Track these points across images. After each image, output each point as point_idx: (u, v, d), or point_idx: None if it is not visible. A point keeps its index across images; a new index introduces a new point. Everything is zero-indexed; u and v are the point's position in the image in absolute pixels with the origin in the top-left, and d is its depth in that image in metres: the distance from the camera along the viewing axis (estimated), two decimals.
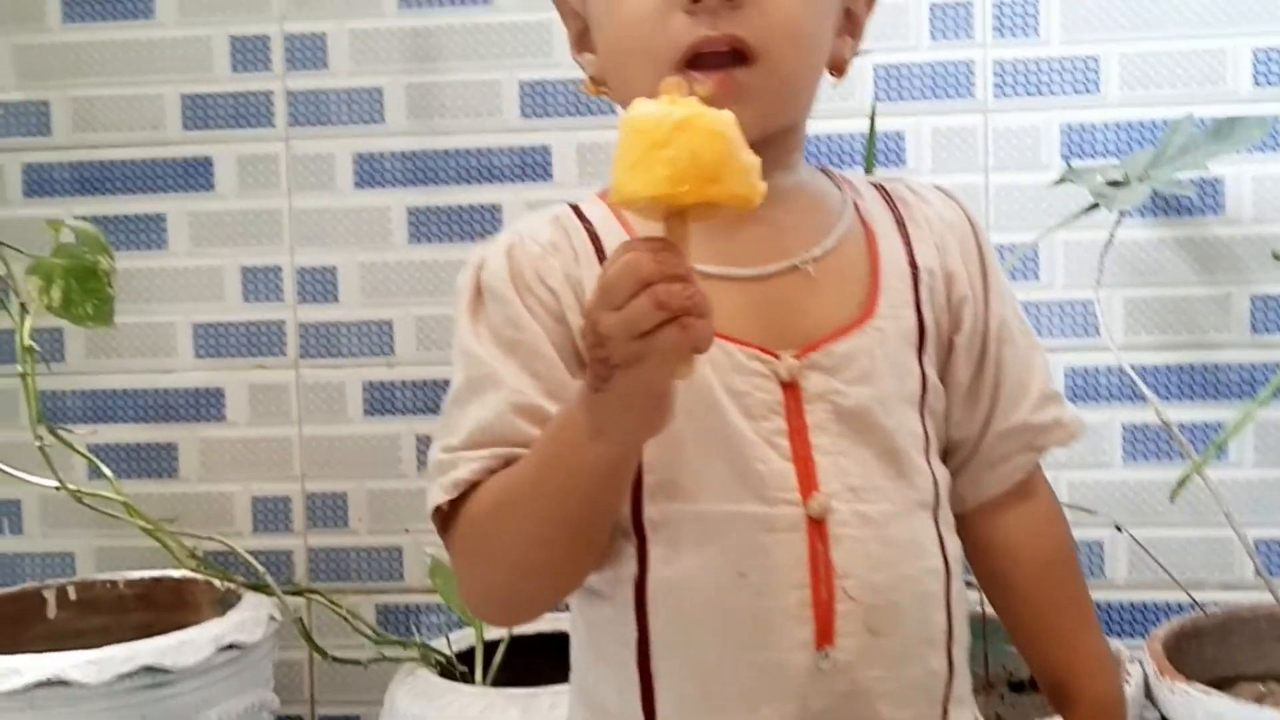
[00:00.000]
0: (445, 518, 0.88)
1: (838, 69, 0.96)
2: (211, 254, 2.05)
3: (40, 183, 2.06)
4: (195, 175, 2.04)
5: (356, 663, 1.84)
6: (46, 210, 1.99)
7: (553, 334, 0.89)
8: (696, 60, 0.86)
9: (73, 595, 1.90)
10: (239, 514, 2.06)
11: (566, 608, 0.96)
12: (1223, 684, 1.63)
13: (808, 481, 0.88)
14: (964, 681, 0.94)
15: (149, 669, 1.60)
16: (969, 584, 0.98)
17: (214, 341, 2.05)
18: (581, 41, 0.97)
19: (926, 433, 0.93)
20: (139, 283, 2.04)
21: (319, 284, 2.03)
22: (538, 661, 1.66)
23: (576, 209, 0.94)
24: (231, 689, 1.69)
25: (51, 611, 1.89)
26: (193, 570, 1.84)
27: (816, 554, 0.87)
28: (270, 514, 2.06)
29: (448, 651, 1.76)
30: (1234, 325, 1.89)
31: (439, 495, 0.87)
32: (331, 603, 1.83)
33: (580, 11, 0.95)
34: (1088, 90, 1.90)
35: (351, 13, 2.00)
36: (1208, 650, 1.72)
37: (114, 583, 1.93)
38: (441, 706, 1.62)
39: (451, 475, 0.87)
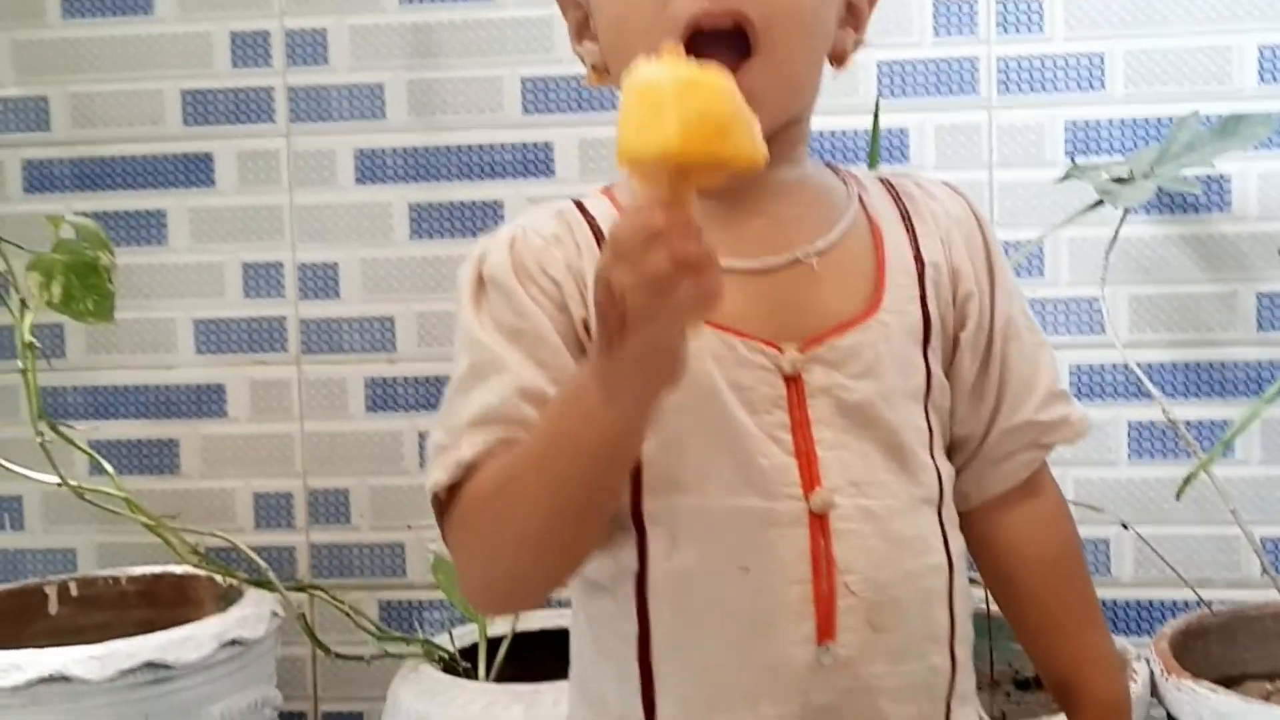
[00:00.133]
0: (444, 502, 0.87)
1: (838, 60, 0.96)
2: (212, 250, 2.04)
3: (40, 179, 2.06)
4: (196, 171, 2.04)
5: (359, 659, 1.84)
6: (47, 206, 1.99)
7: (556, 323, 0.88)
8: (698, 42, 0.85)
9: (74, 591, 1.90)
10: (241, 510, 2.06)
11: (568, 603, 0.96)
12: (1230, 682, 1.62)
13: (810, 476, 0.87)
14: (968, 678, 0.94)
15: (151, 665, 1.60)
16: (974, 581, 0.98)
17: (215, 337, 2.05)
18: (582, 32, 0.96)
19: (931, 428, 0.93)
20: (139, 279, 2.03)
21: (320, 280, 2.03)
22: (541, 657, 1.66)
23: (579, 204, 0.94)
24: (234, 685, 1.69)
25: (53, 608, 1.89)
26: (195, 566, 1.84)
27: (818, 549, 0.87)
28: (272, 510, 2.05)
29: (451, 648, 1.76)
30: (1240, 323, 1.89)
31: (440, 477, 0.86)
32: (334, 599, 1.83)
33: (580, 1, 0.95)
34: (1093, 87, 1.90)
35: (352, 8, 1.99)
36: (1214, 648, 1.71)
37: (116, 579, 1.93)
38: (445, 703, 1.62)
39: (453, 455, 0.85)
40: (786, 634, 0.86)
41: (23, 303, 1.72)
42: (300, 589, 1.87)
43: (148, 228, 2.05)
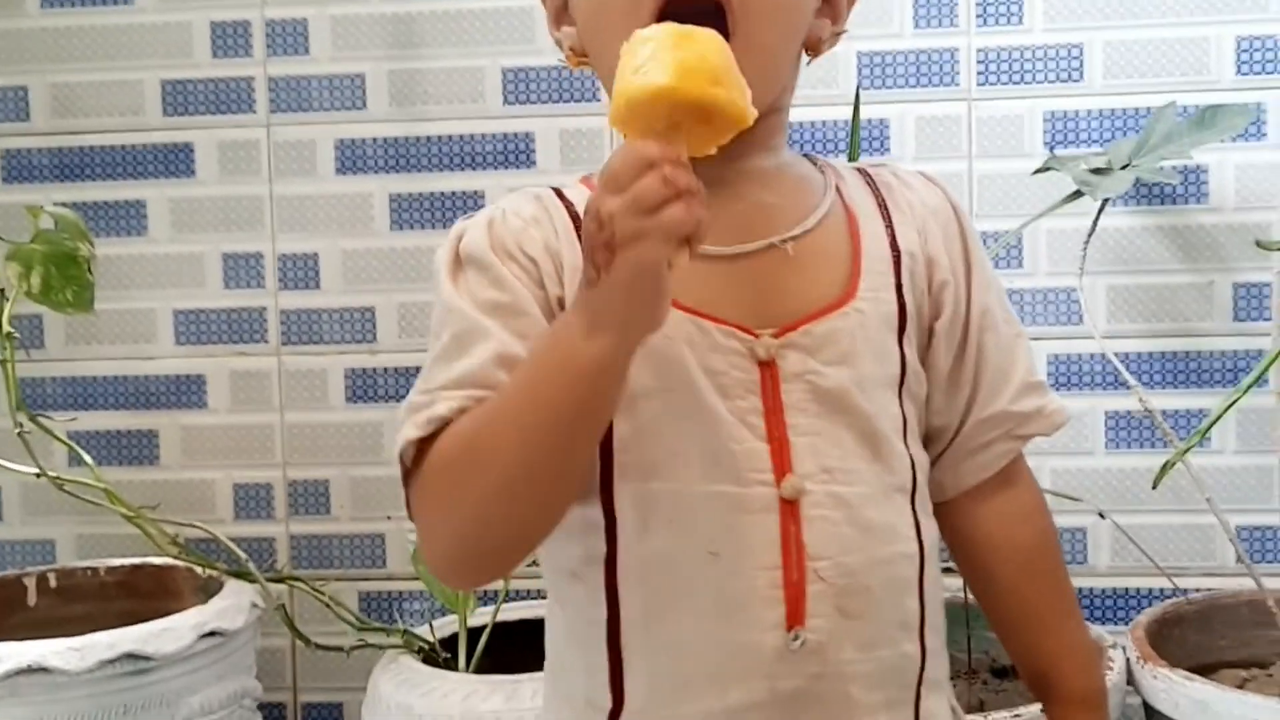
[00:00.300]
0: (412, 466, 0.85)
1: (813, 49, 0.96)
2: (192, 240, 2.04)
3: (19, 169, 2.05)
4: (176, 161, 2.03)
5: (339, 650, 1.83)
6: (26, 196, 1.98)
7: (535, 299, 0.88)
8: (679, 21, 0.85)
9: (53, 583, 1.90)
10: (220, 501, 2.05)
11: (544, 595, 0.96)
12: (1205, 670, 1.63)
13: (782, 462, 0.87)
14: (939, 666, 0.94)
15: (130, 656, 1.60)
16: (949, 570, 0.98)
17: (195, 328, 2.04)
18: (560, 17, 0.97)
19: (905, 416, 0.93)
20: (119, 269, 2.03)
21: (300, 270, 2.03)
22: (521, 648, 1.66)
23: (558, 191, 0.94)
24: (213, 676, 1.69)
25: (32, 599, 1.88)
26: (174, 557, 1.83)
27: (789, 535, 0.87)
28: (252, 501, 2.05)
29: (431, 638, 1.76)
30: (1217, 313, 1.90)
31: (411, 433, 0.84)
32: (314, 590, 1.83)
33: None
34: (1071, 78, 1.90)
35: None
36: (1190, 636, 1.73)
37: (95, 570, 1.92)
38: (425, 693, 1.62)
39: (426, 413, 0.84)
40: (756, 619, 0.86)
41: (1, 293, 1.71)
42: (280, 580, 1.86)
43: (127, 218, 2.04)
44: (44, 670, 1.56)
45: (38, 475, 1.73)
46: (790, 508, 0.87)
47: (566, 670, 0.93)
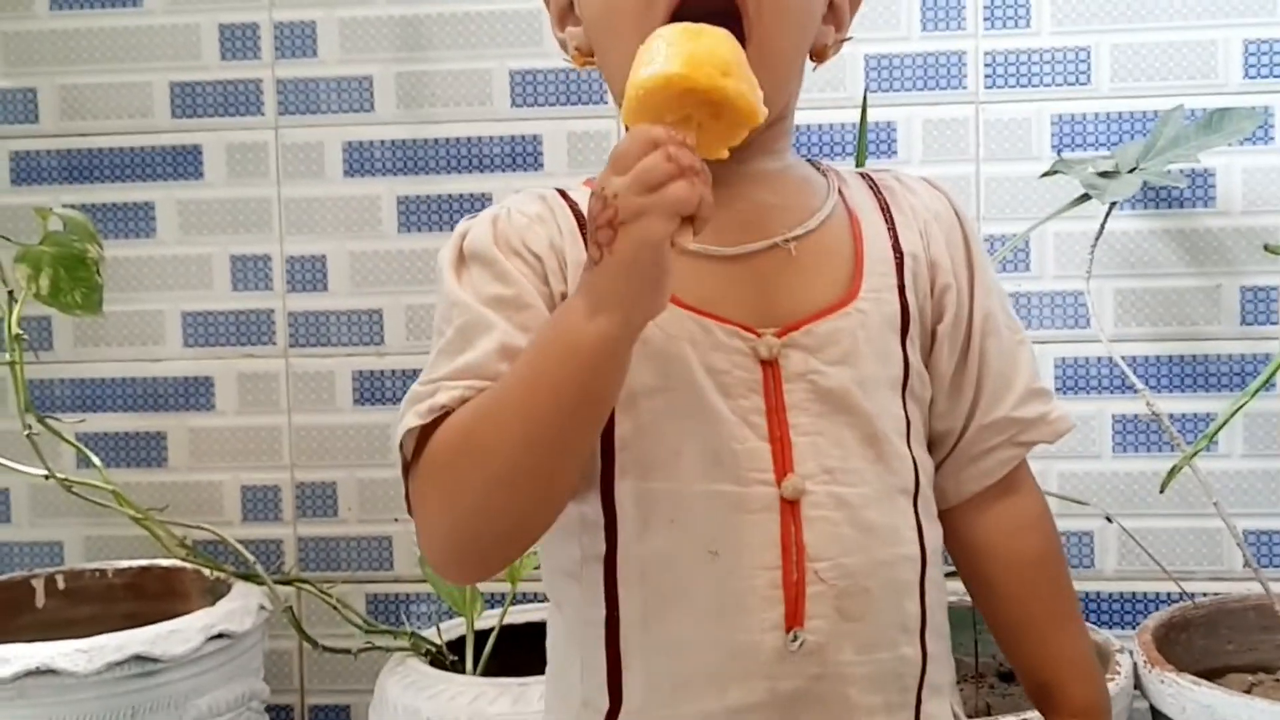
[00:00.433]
0: (412, 452, 0.85)
1: (819, 56, 0.96)
2: (200, 242, 2.04)
3: (28, 171, 2.05)
4: (184, 164, 2.04)
5: (346, 652, 1.84)
6: (34, 198, 1.98)
7: (539, 294, 0.88)
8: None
9: (61, 584, 1.90)
10: (228, 503, 2.06)
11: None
12: (1212, 674, 1.63)
13: (783, 462, 0.87)
14: (941, 671, 0.94)
15: (138, 658, 1.60)
16: (953, 574, 0.98)
17: (203, 330, 2.05)
18: (564, 17, 0.97)
19: (909, 418, 0.93)
20: (127, 271, 2.03)
21: (308, 273, 2.03)
22: (528, 651, 1.66)
23: (562, 192, 0.95)
24: (221, 678, 1.69)
25: (40, 601, 1.88)
26: (182, 559, 1.84)
27: (789, 535, 0.87)
28: (260, 503, 2.05)
29: (438, 641, 1.76)
30: (1224, 317, 1.89)
31: (411, 421, 0.84)
32: (321, 592, 1.83)
33: None
34: (1079, 81, 1.90)
35: (341, 1, 1.99)
36: (1197, 641, 1.72)
37: (103, 572, 1.93)
38: (432, 696, 1.62)
39: (427, 402, 0.84)
40: (755, 619, 0.86)
41: (10, 295, 1.72)
42: (287, 582, 1.87)
43: (136, 220, 2.04)
44: (52, 672, 1.56)
45: (46, 477, 1.74)
46: (791, 508, 0.87)
47: (565, 671, 0.93)
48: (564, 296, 0.88)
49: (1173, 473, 1.69)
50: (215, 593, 1.80)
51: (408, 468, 0.86)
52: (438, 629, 1.78)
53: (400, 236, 2.01)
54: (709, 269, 0.89)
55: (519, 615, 1.79)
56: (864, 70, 1.92)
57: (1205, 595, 1.82)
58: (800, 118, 0.97)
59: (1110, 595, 1.94)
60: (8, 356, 1.72)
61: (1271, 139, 1.87)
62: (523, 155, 1.98)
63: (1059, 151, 1.90)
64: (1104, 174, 1.73)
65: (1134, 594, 1.93)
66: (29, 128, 2.05)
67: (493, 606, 1.86)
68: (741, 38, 0.84)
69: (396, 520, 2.02)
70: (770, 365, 0.88)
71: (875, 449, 0.90)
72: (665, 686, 0.88)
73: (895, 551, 0.90)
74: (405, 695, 1.64)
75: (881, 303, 0.92)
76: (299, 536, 2.05)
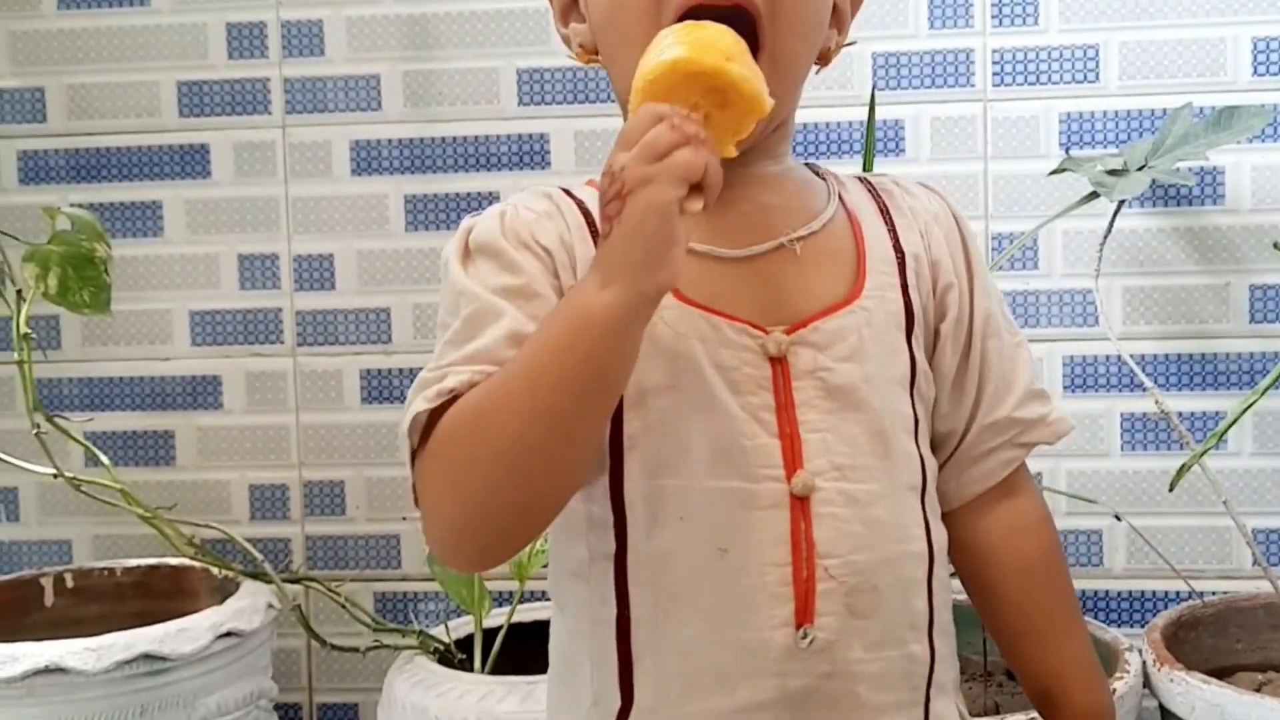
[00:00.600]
0: (420, 438, 0.84)
1: (823, 59, 0.97)
2: (208, 241, 2.04)
3: (36, 170, 2.06)
4: (192, 162, 2.04)
5: (355, 650, 1.84)
6: (42, 197, 1.99)
7: (549, 286, 0.88)
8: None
9: (70, 583, 1.90)
10: (236, 502, 2.06)
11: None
12: (1221, 673, 1.63)
13: (793, 458, 0.87)
14: (947, 670, 0.94)
15: (147, 657, 1.60)
16: (952, 575, 0.98)
17: (211, 329, 2.05)
18: (568, 13, 0.98)
19: (916, 416, 0.93)
20: (135, 270, 2.03)
21: (316, 271, 2.03)
22: (536, 650, 1.66)
23: (566, 190, 0.94)
24: (230, 677, 1.69)
25: (49, 599, 1.89)
26: (190, 558, 1.84)
27: (798, 532, 0.87)
28: (268, 502, 2.06)
29: (446, 639, 1.77)
30: (1233, 315, 1.89)
31: (420, 405, 0.83)
32: (330, 590, 1.83)
33: None
34: (1087, 79, 1.90)
35: (348, 0, 1.99)
36: (1206, 640, 1.72)
37: (111, 570, 1.93)
38: (440, 694, 1.62)
39: (436, 387, 0.83)
40: (765, 616, 0.86)
41: (19, 294, 1.72)
42: (296, 581, 1.87)
43: (144, 219, 2.05)
44: (61, 670, 1.57)
45: (54, 476, 1.74)
46: (801, 504, 0.87)
47: (572, 672, 0.93)
48: None
49: (1182, 471, 1.69)
50: (223, 591, 1.80)
51: (414, 456, 0.85)
52: (446, 627, 1.78)
53: (408, 235, 2.01)
54: (716, 270, 0.89)
55: (527, 614, 1.79)
56: (872, 68, 1.92)
57: (1214, 594, 1.82)
58: (808, 116, 0.98)
59: (1119, 594, 1.93)
60: (16, 355, 1.73)
61: None
62: (530, 154, 1.98)
63: (1067, 149, 1.89)
64: (1113, 172, 1.73)
65: (1143, 592, 1.93)
66: (37, 127, 2.05)
67: (501, 605, 1.86)
68: (755, 45, 0.85)
69: (404, 519, 2.03)
70: (779, 362, 0.88)
71: (883, 446, 0.90)
72: (675, 684, 0.87)
73: (903, 549, 0.90)
74: (413, 694, 1.65)
75: (885, 301, 0.92)
76: (307, 535, 2.05)
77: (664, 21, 0.85)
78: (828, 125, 1.93)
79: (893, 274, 0.93)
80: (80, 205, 1.87)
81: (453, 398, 0.83)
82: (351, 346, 2.03)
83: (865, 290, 0.92)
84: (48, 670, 1.57)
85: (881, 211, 0.96)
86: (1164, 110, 1.86)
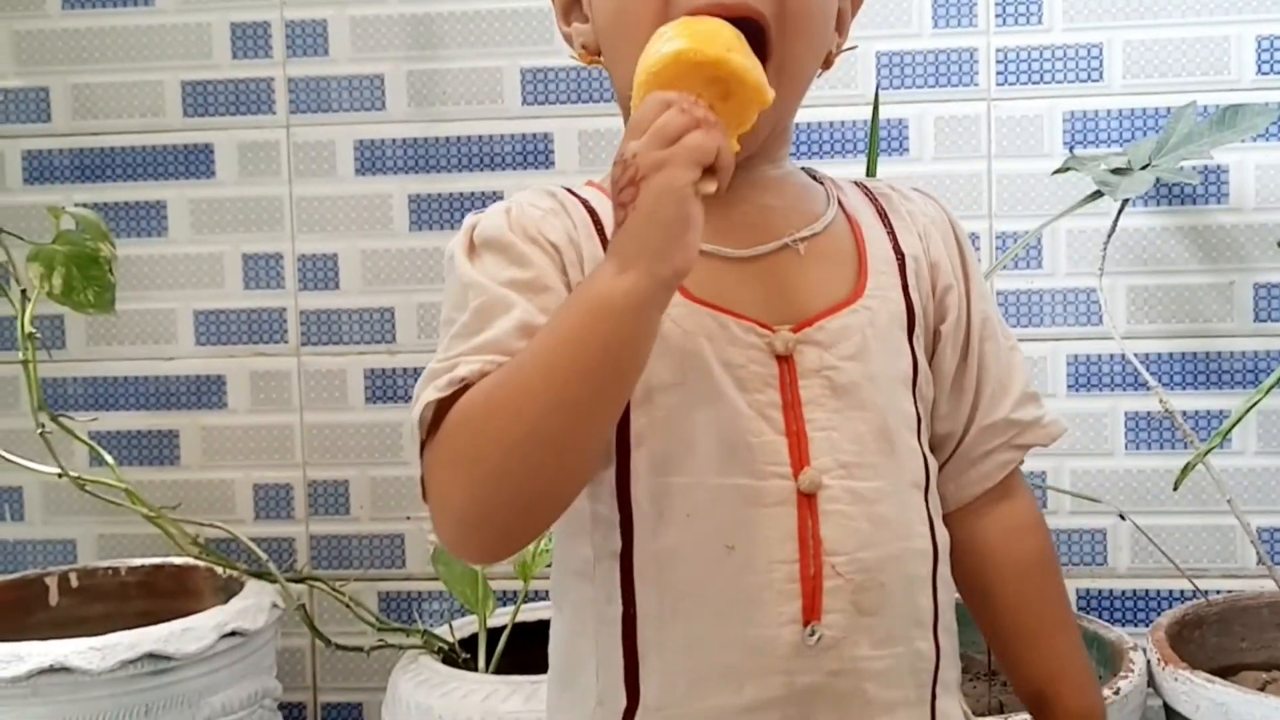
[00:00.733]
0: (430, 429, 0.83)
1: (825, 63, 0.97)
2: (212, 241, 2.05)
3: (41, 169, 2.06)
4: (196, 162, 2.04)
5: (359, 650, 1.84)
6: (47, 197, 1.99)
7: (559, 281, 0.88)
8: None
9: (74, 582, 1.91)
10: (240, 501, 2.06)
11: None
12: (1225, 672, 1.63)
13: (800, 456, 0.87)
14: (950, 667, 0.94)
15: (151, 656, 1.60)
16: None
17: (215, 328, 2.05)
18: (569, 12, 0.98)
19: (918, 414, 0.94)
20: (140, 269, 2.04)
21: (320, 271, 2.03)
22: (540, 649, 1.66)
23: (570, 190, 0.95)
24: (234, 676, 1.69)
25: (53, 599, 1.89)
26: (195, 557, 1.84)
27: (805, 529, 0.87)
28: (272, 501, 2.06)
29: (450, 639, 1.77)
30: (1237, 314, 1.89)
31: (431, 394, 0.82)
32: (334, 590, 1.83)
33: None
34: (1091, 78, 1.90)
35: None
36: (1210, 638, 1.72)
37: (116, 570, 1.93)
38: (444, 694, 1.63)
39: (447, 376, 0.82)
40: (772, 614, 0.86)
41: (24, 293, 1.72)
42: (300, 580, 1.87)
43: (148, 219, 2.05)
44: (65, 670, 1.57)
45: (59, 475, 1.74)
46: (807, 501, 0.87)
47: (575, 672, 0.92)
48: None
49: (1186, 470, 1.69)
50: (228, 591, 1.80)
51: (423, 447, 0.84)
52: (450, 627, 1.78)
53: (411, 235, 2.01)
54: (722, 269, 0.89)
55: (531, 613, 1.79)
56: (875, 67, 1.92)
57: (1219, 593, 1.82)
58: (812, 115, 0.98)
59: (1123, 593, 1.93)
60: (21, 355, 1.73)
61: None
62: (534, 154, 1.98)
63: (1071, 148, 1.89)
64: (1116, 171, 1.73)
65: (1147, 591, 1.93)
66: (41, 127, 2.05)
67: (505, 604, 1.86)
68: (763, 54, 0.85)
69: (409, 518, 2.03)
70: (785, 360, 0.88)
71: (888, 444, 0.90)
72: (682, 683, 0.87)
73: (909, 546, 0.90)
74: (418, 693, 1.65)
75: (887, 301, 0.93)
76: (311, 534, 2.06)
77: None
78: (831, 125, 1.93)
79: (893, 274, 0.94)
80: (85, 205, 1.88)
81: (464, 387, 0.82)
82: (355, 346, 2.03)
83: (868, 290, 0.92)
84: (52, 669, 1.57)
85: (880, 214, 0.97)
86: (1168, 109, 1.86)
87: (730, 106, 0.79)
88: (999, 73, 1.92)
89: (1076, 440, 1.89)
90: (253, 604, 1.73)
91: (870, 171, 1.69)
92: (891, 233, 0.96)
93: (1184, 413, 1.86)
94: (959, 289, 0.96)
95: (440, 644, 1.76)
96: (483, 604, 1.76)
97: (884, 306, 0.92)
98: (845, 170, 1.01)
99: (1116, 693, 1.53)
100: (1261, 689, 1.63)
